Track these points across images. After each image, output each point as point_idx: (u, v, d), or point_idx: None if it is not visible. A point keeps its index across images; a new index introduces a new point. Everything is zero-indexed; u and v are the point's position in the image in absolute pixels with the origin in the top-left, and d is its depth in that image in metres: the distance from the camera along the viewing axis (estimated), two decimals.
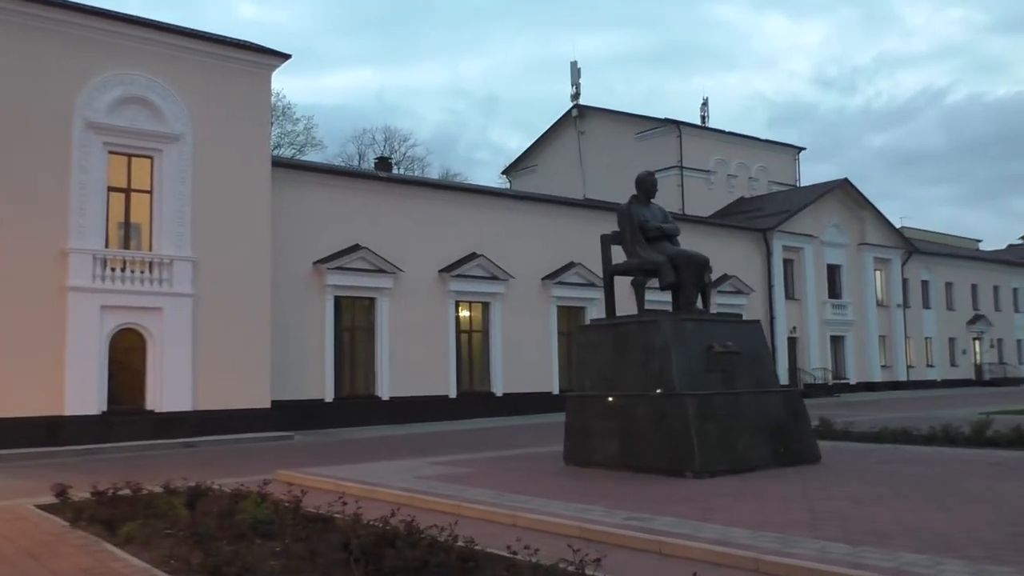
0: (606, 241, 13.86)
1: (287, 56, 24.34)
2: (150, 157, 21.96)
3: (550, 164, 49.39)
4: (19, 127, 20.02)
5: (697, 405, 11.63)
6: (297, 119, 57.64)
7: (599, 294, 31.55)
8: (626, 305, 13.67)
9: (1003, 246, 70.58)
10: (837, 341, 42.68)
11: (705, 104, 50.53)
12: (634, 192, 13.97)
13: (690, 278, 12.99)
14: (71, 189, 20.51)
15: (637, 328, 12.74)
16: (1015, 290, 57.03)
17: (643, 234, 13.36)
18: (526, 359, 29.81)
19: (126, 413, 20.63)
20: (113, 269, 20.91)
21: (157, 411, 21.00)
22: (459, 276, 28.35)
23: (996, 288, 55.41)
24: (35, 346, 19.55)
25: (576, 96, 49.00)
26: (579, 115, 48.26)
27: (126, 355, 21.09)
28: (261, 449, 19.47)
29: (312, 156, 54.80)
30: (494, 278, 29.21)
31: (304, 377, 24.78)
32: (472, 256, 28.74)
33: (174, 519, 8.71)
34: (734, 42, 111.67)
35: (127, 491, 10.23)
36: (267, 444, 20.78)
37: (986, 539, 7.23)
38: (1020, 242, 65.35)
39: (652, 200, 14.02)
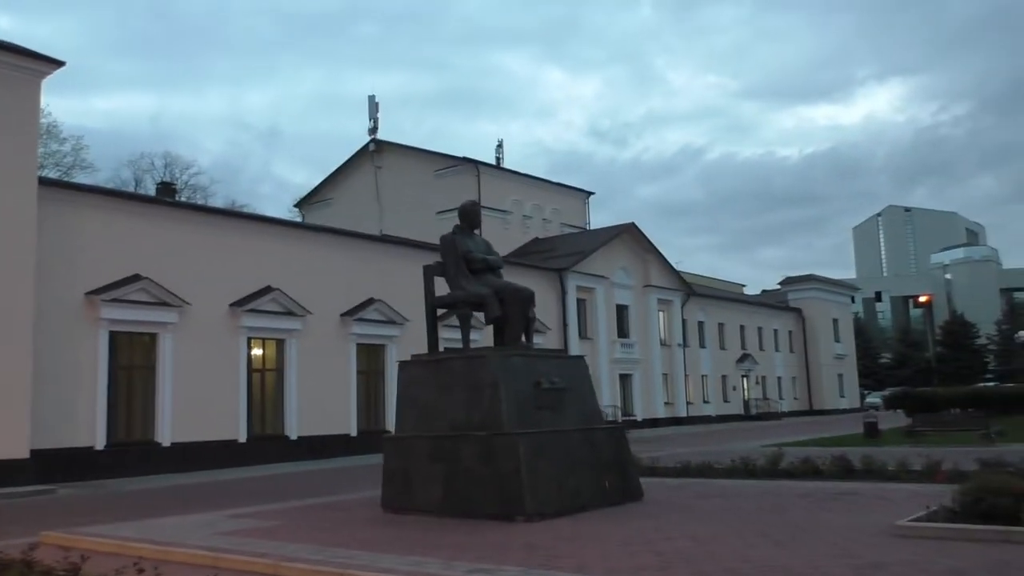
0: (429, 272, 13.19)
1: (60, 63, 21.86)
2: None
3: (346, 198, 48.16)
4: None
5: (528, 444, 11.14)
6: (64, 139, 52.58)
7: (400, 331, 30.89)
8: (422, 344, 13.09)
9: (758, 291, 77.16)
10: (625, 379, 44.31)
11: (500, 146, 51.53)
12: (456, 223, 13.46)
13: (516, 312, 12.59)
14: None
15: (463, 364, 12.13)
16: (775, 331, 62.22)
17: (468, 265, 12.83)
18: (324, 399, 28.31)
19: None
20: None
21: None
22: (252, 311, 26.51)
23: (760, 329, 60.20)
24: None
25: (374, 130, 48.29)
26: (376, 150, 47.49)
27: None
28: (18, 506, 16.82)
29: (82, 179, 50.07)
30: (290, 313, 27.61)
31: (71, 422, 21.95)
32: (267, 290, 27.01)
33: None
34: (516, 91, 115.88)
35: None
36: (25, 500, 18.03)
37: (834, 573, 7.20)
38: (776, 288, 71.57)
39: (476, 231, 13.56)
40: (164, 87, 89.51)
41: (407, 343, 31.25)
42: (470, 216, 13.39)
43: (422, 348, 30.80)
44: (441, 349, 13.06)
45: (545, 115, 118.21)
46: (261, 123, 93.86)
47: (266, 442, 26.60)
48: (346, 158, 49.38)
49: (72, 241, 22.60)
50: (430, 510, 11.64)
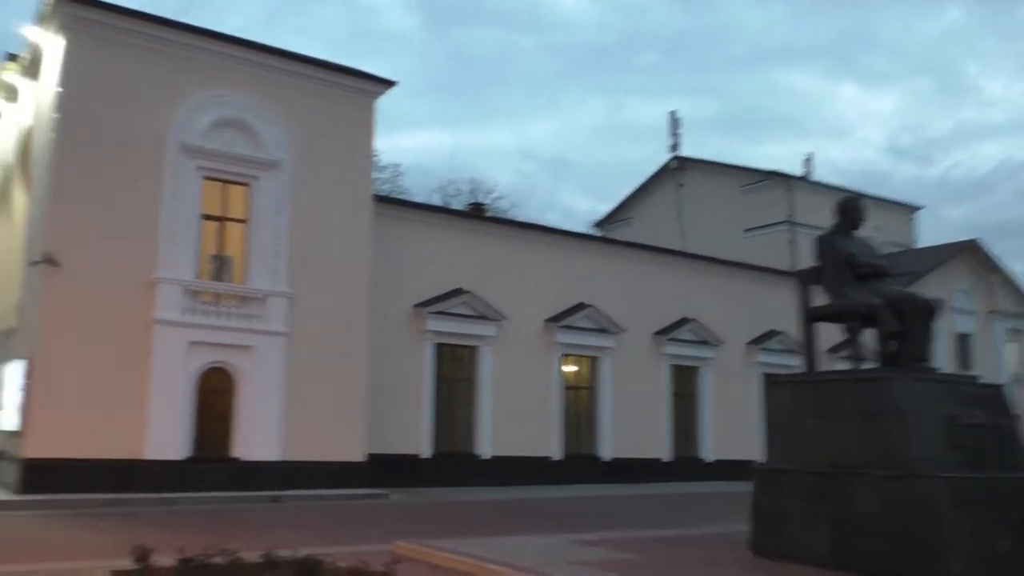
0: (804, 278, 11.37)
1: (392, 83, 22.63)
2: (246, 184, 20.33)
3: (646, 217, 47.01)
4: (112, 147, 18.58)
5: (950, 491, 8.91)
6: (383, 166, 56.65)
7: (714, 353, 28.99)
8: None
9: None
10: None
11: (809, 160, 47.74)
12: (833, 223, 11.50)
13: (916, 326, 10.36)
14: (162, 215, 18.93)
15: (851, 386, 10.13)
16: None
17: (852, 270, 10.82)
18: (636, 421, 27.10)
19: (209, 460, 18.63)
20: (204, 302, 19.17)
21: (243, 459, 18.96)
22: (566, 327, 25.97)
23: None
24: (116, 383, 17.78)
25: (675, 147, 46.75)
26: (679, 167, 45.94)
27: (213, 397, 19.19)
28: (356, 509, 17.17)
29: None
30: (603, 330, 26.75)
31: (400, 429, 22.53)
32: (580, 306, 26.38)
33: None
34: (804, 110, 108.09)
35: (219, 559, 8.02)
36: (361, 503, 18.49)
37: None
38: None
39: (855, 231, 11.51)
40: (458, 123, 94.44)
41: (721, 365, 29.37)
42: (850, 213, 11.36)
43: (736, 371, 28.49)
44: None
45: (837, 134, 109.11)
46: (545, 153, 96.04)
47: (579, 462, 25.84)
48: (638, 183, 48.32)
49: (401, 255, 23.33)
50: (811, 559, 9.75)
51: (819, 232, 37.30)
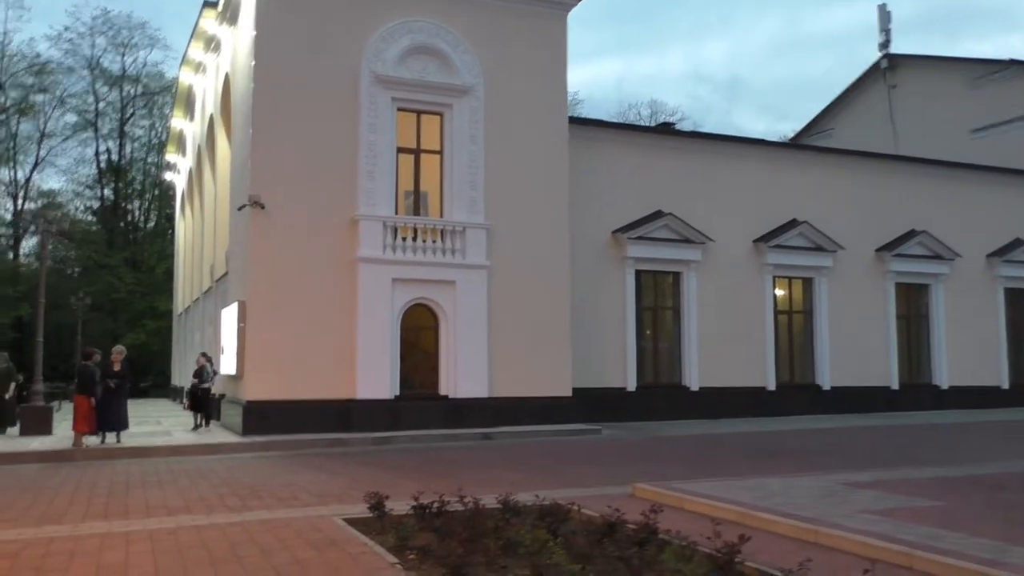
0: None
1: None
2: (439, 113, 19.63)
3: (850, 126, 42.97)
4: (309, 86, 18.35)
5: None
6: None
7: (948, 268, 25.98)
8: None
9: None
10: None
11: None
12: None
13: None
14: (360, 150, 18.58)
15: None
16: None
17: None
18: (858, 346, 24.77)
19: (418, 399, 18.43)
20: (404, 238, 18.79)
21: (451, 397, 18.63)
22: (778, 247, 23.90)
23: None
24: (325, 323, 17.79)
25: (885, 45, 42.24)
26: (890, 66, 41.52)
27: (417, 334, 18.93)
28: (571, 446, 16.40)
29: None
30: (819, 249, 24.44)
31: (603, 362, 21.57)
32: (792, 223, 24.17)
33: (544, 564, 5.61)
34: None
35: (458, 505, 7.31)
36: (574, 439, 17.73)
37: None
38: None
39: None
40: (630, 51, 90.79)
41: (955, 281, 26.32)
42: None
43: (974, 288, 25.36)
44: None
45: None
46: (719, 75, 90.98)
47: (795, 392, 23.96)
48: (825, 97, 44.19)
49: (596, 178, 22.09)
50: None
51: None
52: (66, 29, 47.91)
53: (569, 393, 19.70)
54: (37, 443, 15.79)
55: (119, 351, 16.42)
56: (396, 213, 18.93)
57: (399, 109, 19.22)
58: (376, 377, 17.90)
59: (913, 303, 26.15)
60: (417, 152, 19.56)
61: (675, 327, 23.00)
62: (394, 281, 18.43)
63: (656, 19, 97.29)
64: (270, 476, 12.13)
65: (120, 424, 15.68)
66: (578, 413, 19.54)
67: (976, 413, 24.05)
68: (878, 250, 25.45)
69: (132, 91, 50.98)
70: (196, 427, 18.69)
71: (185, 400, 21.94)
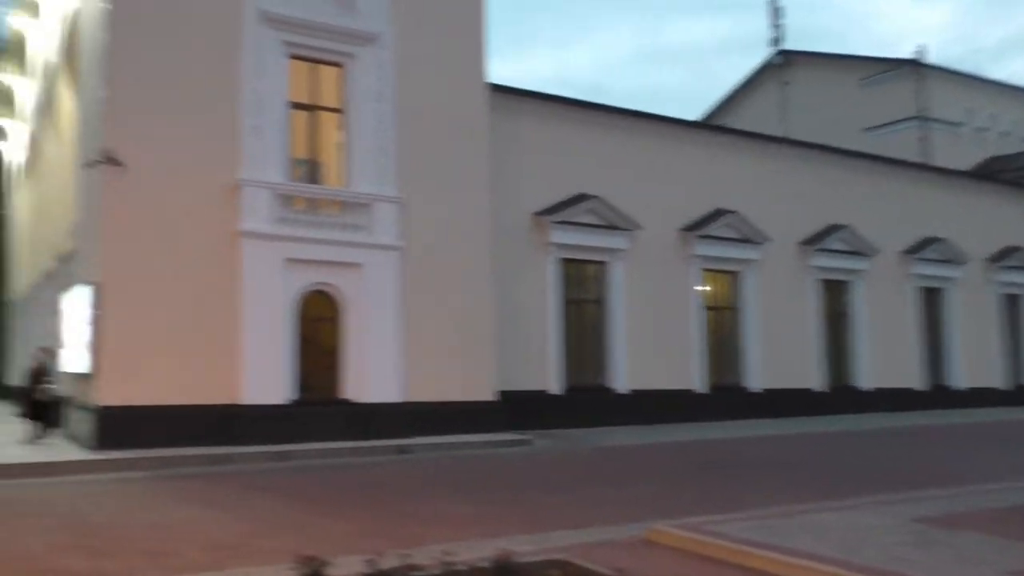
0: None
1: None
2: (340, 65, 16.46)
3: (744, 122, 42.25)
4: (178, 21, 14.83)
5: None
6: None
7: (868, 265, 24.91)
8: None
9: None
10: None
11: (920, 52, 42.25)
12: None
13: None
14: (242, 102, 15.19)
15: None
16: None
17: None
18: (784, 346, 23.22)
19: (318, 403, 15.20)
20: (297, 210, 15.52)
21: (356, 401, 15.50)
22: (706, 237, 21.99)
23: None
24: (201, 310, 14.33)
25: (777, 41, 41.78)
26: (784, 63, 41.05)
27: (316, 327, 15.68)
28: (505, 461, 13.69)
29: None
30: (747, 241, 22.72)
31: (525, 362, 18.90)
32: (719, 213, 22.33)
33: None
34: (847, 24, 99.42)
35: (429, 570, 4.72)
36: (505, 452, 15.03)
37: None
38: None
39: None
40: (496, 55, 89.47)
41: (874, 279, 25.27)
42: None
43: (893, 286, 24.06)
44: None
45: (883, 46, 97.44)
46: (582, 80, 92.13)
47: (724, 394, 22.13)
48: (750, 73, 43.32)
49: (515, 154, 19.41)
50: None
51: (959, 128, 31.92)
52: None
53: (493, 397, 16.97)
54: None
55: None
56: (288, 180, 15.65)
57: (292, 56, 15.94)
58: (266, 377, 14.57)
59: (834, 301, 24.88)
60: (313, 108, 16.33)
61: (601, 323, 20.64)
62: (287, 262, 15.14)
63: (525, 25, 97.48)
64: (132, 511, 8.84)
65: None
66: (503, 420, 16.83)
67: (898, 417, 22.95)
68: (801, 244, 24.02)
69: None
70: (36, 439, 14.79)
71: (20, 406, 17.73)
